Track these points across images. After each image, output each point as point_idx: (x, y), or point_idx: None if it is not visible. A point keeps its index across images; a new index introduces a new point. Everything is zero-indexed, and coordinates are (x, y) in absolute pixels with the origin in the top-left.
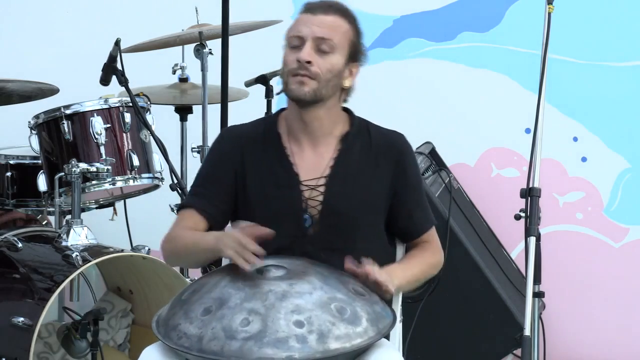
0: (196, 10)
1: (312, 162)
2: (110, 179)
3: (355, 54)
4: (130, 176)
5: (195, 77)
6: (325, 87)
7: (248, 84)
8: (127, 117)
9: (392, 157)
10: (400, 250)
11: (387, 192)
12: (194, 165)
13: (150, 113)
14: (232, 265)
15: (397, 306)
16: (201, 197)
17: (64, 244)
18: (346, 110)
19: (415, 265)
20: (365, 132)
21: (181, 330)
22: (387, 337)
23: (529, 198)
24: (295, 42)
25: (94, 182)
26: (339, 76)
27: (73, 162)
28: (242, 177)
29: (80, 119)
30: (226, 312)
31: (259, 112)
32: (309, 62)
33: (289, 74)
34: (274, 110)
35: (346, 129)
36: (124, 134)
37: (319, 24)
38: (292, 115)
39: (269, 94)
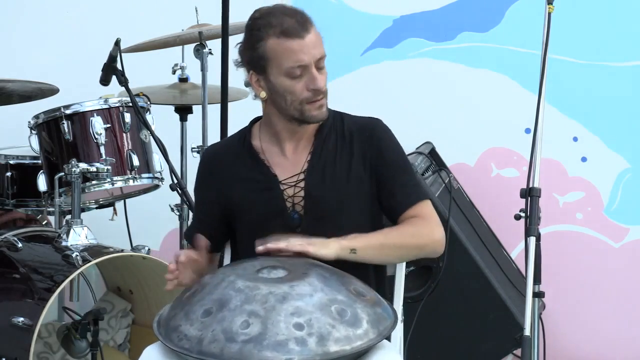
0: (196, 10)
1: (292, 161)
2: (110, 179)
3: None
4: (130, 176)
5: (195, 77)
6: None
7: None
8: (127, 117)
9: (365, 141)
10: None
11: (367, 176)
12: (194, 165)
13: (150, 113)
14: (233, 266)
15: (398, 306)
16: (195, 222)
17: (64, 244)
18: None
19: (383, 232)
20: (339, 122)
21: (182, 332)
22: (388, 338)
23: (529, 198)
24: (297, 72)
25: (94, 182)
26: None
27: (73, 162)
28: (227, 191)
29: (80, 119)
30: (226, 314)
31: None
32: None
33: (303, 103)
34: None
35: (319, 124)
36: (124, 134)
37: (313, 45)
38: (279, 126)
39: None
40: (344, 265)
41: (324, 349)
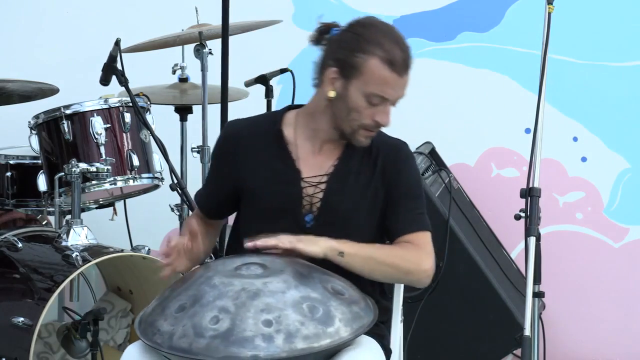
0: (196, 10)
1: (316, 161)
2: (110, 179)
3: None
4: (130, 176)
5: (195, 77)
6: None
7: (248, 84)
8: (127, 117)
9: (389, 163)
10: None
11: (382, 195)
12: (194, 165)
13: (150, 113)
14: (216, 263)
15: (398, 306)
16: (202, 192)
17: (64, 244)
18: None
19: (376, 247)
20: None
21: (156, 327)
22: (385, 337)
23: (529, 198)
24: (376, 101)
25: (94, 182)
26: None
27: (73, 162)
28: (243, 171)
29: (80, 119)
30: (198, 310)
31: (259, 112)
32: None
33: (361, 127)
34: (274, 108)
35: None
36: (124, 134)
37: (404, 86)
38: (322, 126)
39: (269, 94)
40: (338, 266)
41: (291, 345)
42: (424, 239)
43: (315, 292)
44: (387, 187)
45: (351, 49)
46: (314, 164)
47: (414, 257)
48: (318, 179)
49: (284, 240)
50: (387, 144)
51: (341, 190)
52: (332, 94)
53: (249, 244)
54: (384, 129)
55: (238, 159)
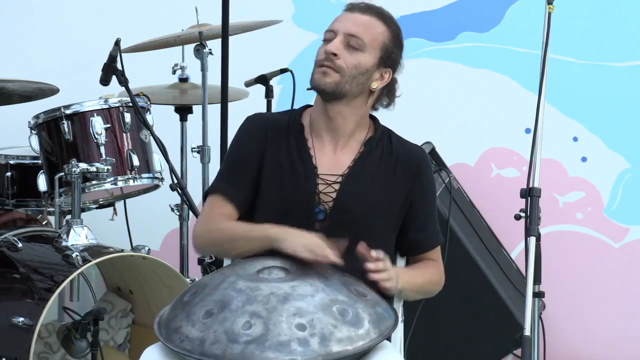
0: (196, 10)
1: (332, 159)
2: (110, 179)
3: (388, 59)
4: (130, 176)
5: (195, 77)
6: (350, 83)
7: (248, 84)
8: (127, 117)
9: (411, 169)
10: (400, 264)
11: (401, 202)
12: (194, 165)
13: (150, 113)
14: (233, 267)
15: (398, 306)
16: (228, 183)
17: (64, 244)
18: (372, 117)
19: (420, 275)
20: (387, 139)
21: (183, 333)
22: (389, 338)
23: (529, 198)
24: (328, 37)
25: (94, 182)
26: (366, 76)
27: (73, 162)
28: (260, 160)
29: (80, 119)
30: (228, 315)
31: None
32: (334, 55)
33: (315, 65)
34: (274, 110)
35: (370, 134)
36: (124, 134)
37: (353, 21)
38: (317, 111)
39: (269, 94)
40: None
41: (327, 349)
42: (439, 253)
43: (342, 294)
44: (407, 198)
45: None
46: (331, 162)
47: (438, 278)
48: (333, 177)
49: (386, 269)
50: (408, 150)
51: (355, 191)
52: None
53: (361, 248)
54: (399, 133)
55: (263, 146)
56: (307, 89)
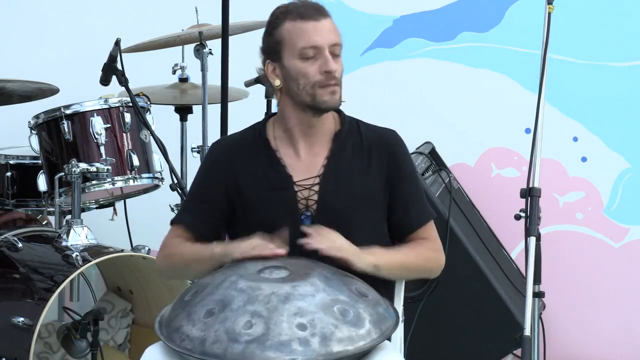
0: (196, 10)
1: (306, 163)
2: (110, 179)
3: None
4: (130, 176)
5: (195, 77)
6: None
7: (248, 84)
8: (127, 117)
9: (384, 153)
10: None
11: (382, 188)
12: (194, 165)
13: (150, 113)
14: (234, 266)
15: (399, 306)
16: (191, 213)
17: (64, 244)
18: (337, 110)
19: (402, 251)
20: (355, 130)
21: (184, 333)
22: (389, 338)
23: (529, 198)
24: (310, 53)
25: (94, 182)
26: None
27: (73, 162)
28: (235, 187)
29: (80, 119)
30: (229, 315)
31: (259, 112)
32: (336, 70)
33: (315, 86)
34: (274, 110)
35: (337, 127)
36: (124, 134)
37: (328, 30)
38: (293, 121)
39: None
40: (339, 264)
41: (327, 349)
42: (433, 229)
43: (343, 294)
44: (387, 182)
45: (268, 33)
46: (304, 167)
47: (434, 254)
48: (310, 180)
49: (339, 249)
50: (378, 136)
51: (336, 189)
52: (277, 82)
53: (304, 241)
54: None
55: (231, 173)
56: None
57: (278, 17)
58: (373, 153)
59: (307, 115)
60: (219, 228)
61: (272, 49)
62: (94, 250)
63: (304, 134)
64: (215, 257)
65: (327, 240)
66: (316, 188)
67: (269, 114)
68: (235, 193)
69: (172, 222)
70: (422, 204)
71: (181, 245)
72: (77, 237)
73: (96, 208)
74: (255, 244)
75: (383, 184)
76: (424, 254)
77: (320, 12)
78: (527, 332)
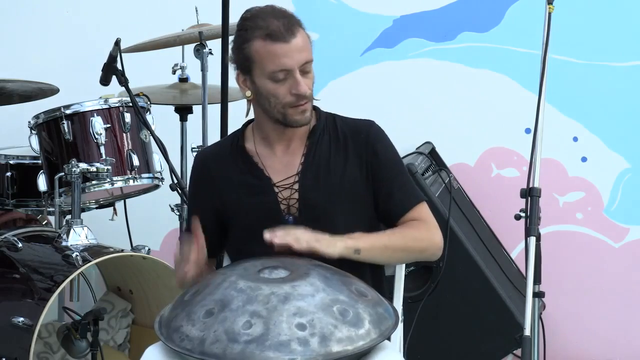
0: (196, 10)
1: (284, 163)
2: (110, 179)
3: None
4: (130, 176)
5: (195, 77)
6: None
7: None
8: (127, 117)
9: (360, 143)
10: None
11: (362, 178)
12: None
13: (150, 113)
14: (234, 266)
15: (398, 306)
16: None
17: (64, 244)
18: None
19: (387, 234)
20: (332, 124)
21: (183, 333)
22: (388, 338)
23: (529, 198)
24: (281, 76)
25: (94, 182)
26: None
27: (73, 162)
28: (219, 197)
29: (80, 119)
30: (228, 315)
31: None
32: (307, 91)
33: (286, 106)
34: None
35: (313, 123)
36: (124, 134)
37: (298, 50)
38: (269, 127)
39: None
40: (341, 265)
41: (327, 349)
42: (424, 210)
43: (342, 294)
44: (368, 171)
45: (238, 45)
46: (282, 167)
47: (425, 234)
48: (290, 180)
49: (302, 241)
50: (354, 127)
51: (315, 184)
52: (248, 94)
53: (266, 237)
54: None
55: (214, 186)
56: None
57: (247, 31)
58: (349, 144)
59: (279, 127)
60: (220, 241)
61: (242, 63)
62: (94, 250)
63: (280, 137)
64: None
65: (291, 235)
66: (296, 187)
67: (249, 120)
68: (220, 203)
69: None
70: (407, 188)
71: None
72: (77, 237)
73: (96, 208)
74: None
75: (364, 173)
76: (411, 233)
77: (289, 31)
78: (527, 332)
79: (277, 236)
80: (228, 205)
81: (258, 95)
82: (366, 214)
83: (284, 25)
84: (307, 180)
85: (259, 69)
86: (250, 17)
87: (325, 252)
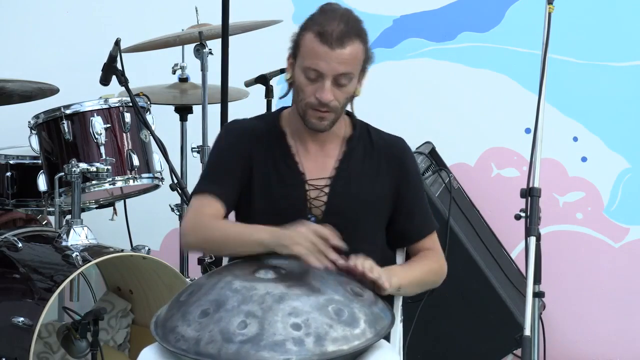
0: (196, 10)
1: (318, 163)
2: (110, 179)
3: (366, 65)
4: (130, 176)
5: (195, 77)
6: (342, 111)
7: (248, 84)
8: (127, 117)
9: (394, 161)
10: (400, 257)
11: (389, 196)
12: (194, 165)
13: (150, 113)
14: (230, 267)
15: (398, 306)
16: (216, 184)
17: (64, 244)
18: (347, 112)
19: (417, 268)
20: (366, 135)
21: (179, 333)
22: (387, 337)
23: (529, 198)
24: (312, 75)
25: (94, 182)
26: (353, 95)
27: (73, 162)
28: (249, 169)
29: (80, 119)
30: (223, 315)
31: (259, 112)
32: (331, 101)
33: (307, 106)
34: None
35: (349, 131)
36: (124, 134)
37: (339, 61)
38: (294, 121)
39: (269, 94)
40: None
41: (322, 348)
42: (436, 239)
43: (338, 294)
44: (395, 189)
45: (300, 29)
46: (317, 166)
47: (439, 266)
48: (322, 182)
49: (372, 271)
50: (387, 141)
51: (345, 193)
52: (287, 76)
53: (342, 265)
54: (400, 133)
55: (247, 155)
56: (280, 98)
57: (311, 21)
58: (382, 159)
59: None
60: (236, 201)
61: (294, 46)
62: (94, 250)
63: (310, 135)
64: (265, 245)
65: (365, 261)
66: (326, 190)
67: (283, 107)
68: (247, 176)
69: (195, 193)
70: (427, 214)
71: (220, 222)
72: (77, 237)
73: (96, 208)
74: (313, 233)
75: (390, 191)
76: (430, 267)
77: (340, 40)
78: (527, 332)
79: (369, 270)
80: (253, 183)
81: (294, 83)
82: (381, 231)
83: (338, 32)
84: (338, 187)
85: (301, 58)
86: (321, 11)
87: (384, 286)
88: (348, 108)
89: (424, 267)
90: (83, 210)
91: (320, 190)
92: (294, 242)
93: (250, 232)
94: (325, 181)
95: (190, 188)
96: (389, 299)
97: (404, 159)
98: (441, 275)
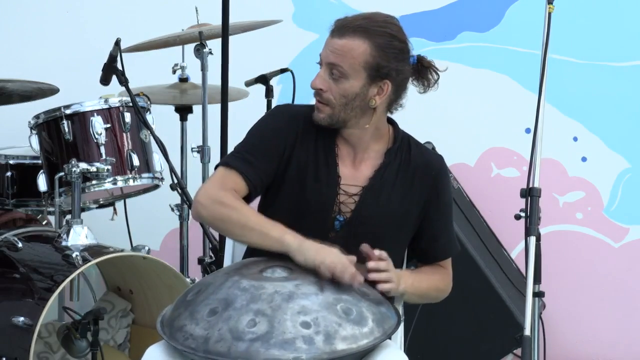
0: (196, 10)
1: (353, 171)
2: (110, 179)
3: (379, 73)
4: (130, 176)
5: (195, 77)
6: (343, 111)
7: (248, 84)
8: (127, 117)
9: (428, 180)
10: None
11: (417, 213)
12: (194, 165)
13: (150, 113)
14: (236, 266)
15: (399, 306)
16: (248, 165)
17: (64, 244)
18: (391, 122)
19: (424, 280)
20: (406, 148)
21: (187, 332)
22: (390, 337)
23: (529, 198)
24: (320, 64)
25: (94, 182)
26: (360, 98)
27: (73, 162)
28: (288, 156)
29: (80, 119)
30: (232, 313)
31: (259, 112)
32: (321, 89)
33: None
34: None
35: (390, 143)
36: (124, 134)
37: (331, 49)
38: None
39: (269, 94)
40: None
41: (332, 347)
42: (450, 261)
43: (345, 293)
44: (423, 208)
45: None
46: (352, 174)
47: (444, 286)
48: (354, 189)
49: (387, 272)
50: (426, 159)
51: (374, 205)
52: None
53: (364, 248)
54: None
55: (292, 143)
56: (266, 97)
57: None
58: (417, 176)
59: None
60: (265, 186)
61: None
62: (94, 250)
63: (344, 141)
64: (282, 245)
65: (388, 275)
66: (356, 198)
67: None
68: (285, 162)
69: (225, 165)
70: (451, 238)
71: (243, 205)
72: (77, 237)
73: (96, 208)
74: (336, 264)
75: (419, 209)
76: (437, 284)
77: (340, 31)
78: (527, 332)
79: (379, 273)
80: (288, 172)
81: None
82: (403, 245)
83: (343, 23)
84: (369, 198)
85: None
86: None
87: (394, 290)
88: (377, 117)
89: (432, 283)
90: (83, 210)
91: (351, 197)
92: (321, 257)
93: (272, 227)
94: (357, 189)
95: (190, 188)
96: (389, 299)
97: (437, 179)
98: (444, 295)
